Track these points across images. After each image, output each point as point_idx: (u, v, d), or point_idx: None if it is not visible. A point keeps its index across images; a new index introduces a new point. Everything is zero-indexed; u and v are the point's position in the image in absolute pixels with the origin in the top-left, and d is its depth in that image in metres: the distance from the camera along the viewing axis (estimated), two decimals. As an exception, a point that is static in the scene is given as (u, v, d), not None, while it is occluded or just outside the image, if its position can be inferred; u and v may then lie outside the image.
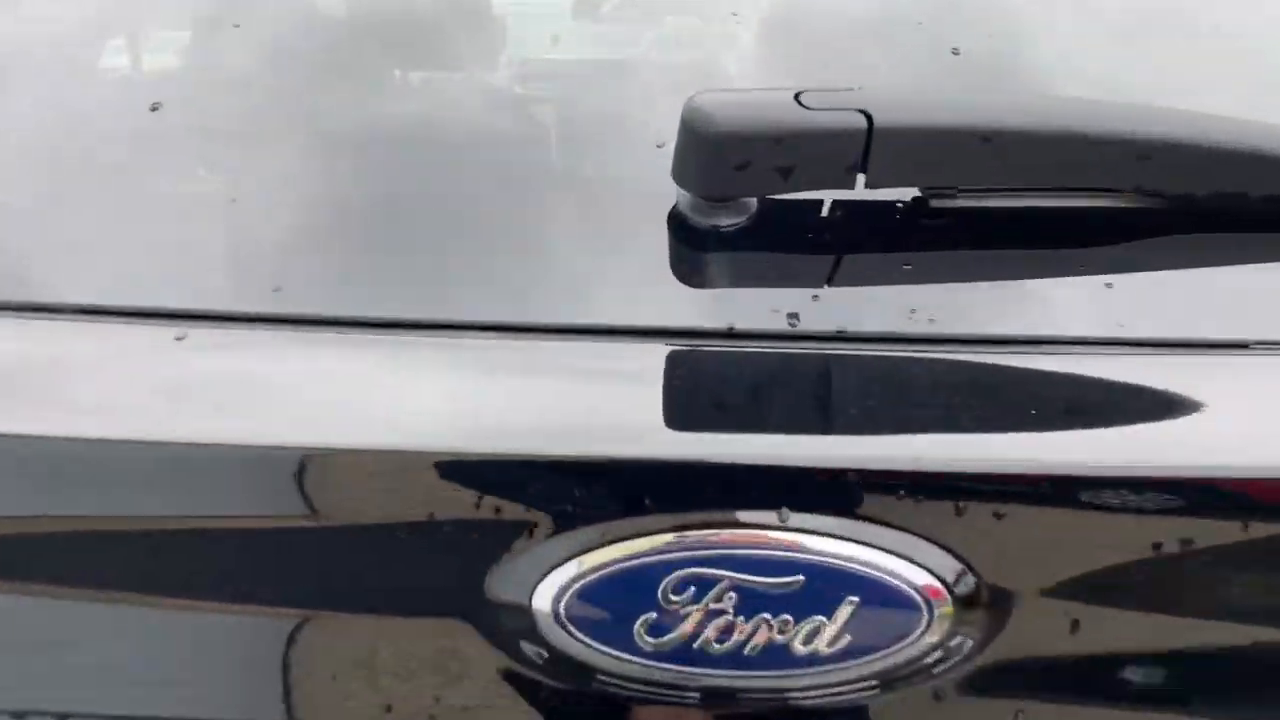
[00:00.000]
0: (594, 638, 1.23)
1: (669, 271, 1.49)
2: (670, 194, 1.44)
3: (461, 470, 1.23)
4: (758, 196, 1.53)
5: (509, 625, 1.24)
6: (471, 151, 1.67)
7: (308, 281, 1.49)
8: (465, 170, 1.63)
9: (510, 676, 1.26)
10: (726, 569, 1.21)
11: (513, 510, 1.23)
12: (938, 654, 1.25)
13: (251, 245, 1.53)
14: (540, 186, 1.63)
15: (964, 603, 1.24)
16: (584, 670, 1.24)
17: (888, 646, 1.24)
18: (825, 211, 1.55)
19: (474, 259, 1.51)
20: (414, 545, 1.25)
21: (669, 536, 1.22)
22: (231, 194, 1.58)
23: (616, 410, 1.33)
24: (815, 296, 1.44)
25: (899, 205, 1.57)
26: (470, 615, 1.24)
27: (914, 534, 1.23)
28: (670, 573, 1.21)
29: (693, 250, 1.44)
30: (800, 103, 1.44)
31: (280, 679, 1.30)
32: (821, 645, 1.22)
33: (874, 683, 1.25)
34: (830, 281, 1.49)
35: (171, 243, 1.52)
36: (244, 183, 1.60)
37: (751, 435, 1.31)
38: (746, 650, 1.22)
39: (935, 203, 1.56)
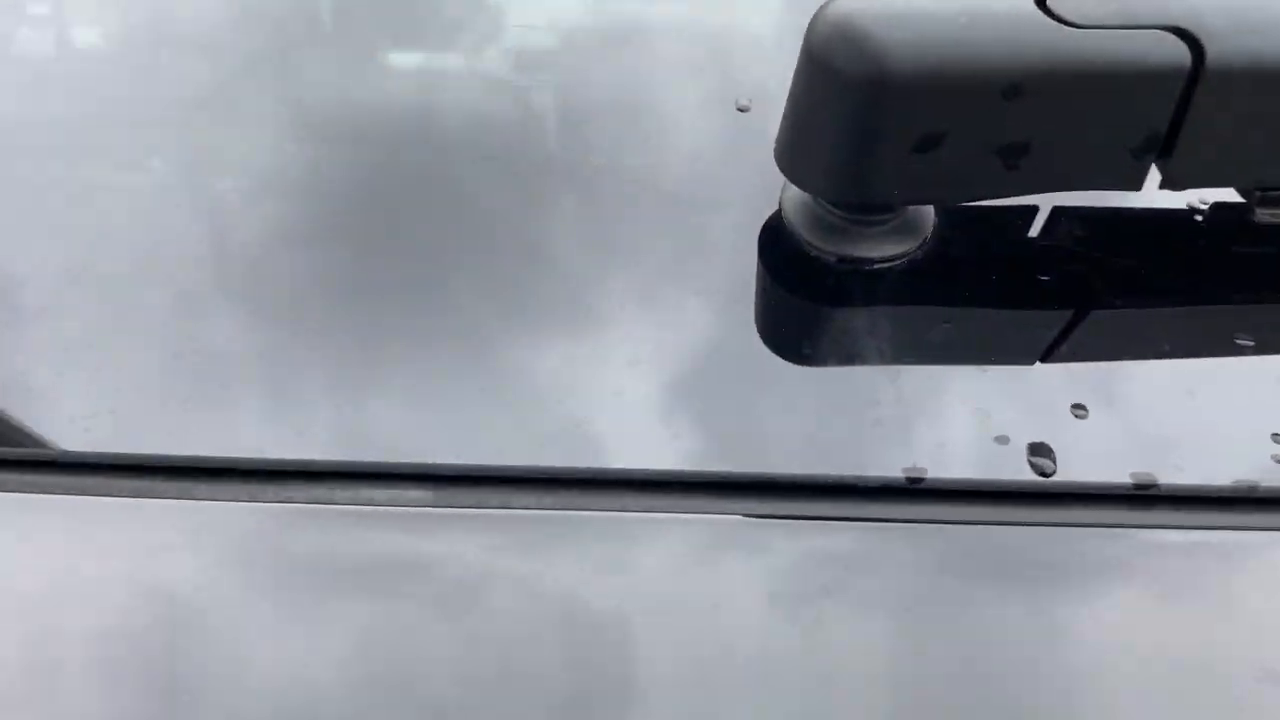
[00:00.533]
0: None
1: (770, 356, 0.75)
2: (768, 197, 0.83)
3: None
4: (955, 203, 0.79)
5: None
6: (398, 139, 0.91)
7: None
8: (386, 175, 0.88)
9: None
10: None
11: None
12: None
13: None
14: (519, 186, 0.87)
15: None
16: None
17: None
18: (1069, 232, 0.81)
19: (390, 343, 0.76)
20: None
21: None
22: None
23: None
24: (1079, 410, 0.70)
25: (1199, 221, 0.83)
26: None
27: None
28: None
29: (819, 310, 0.80)
30: (1051, 12, 0.70)
31: None
32: None
33: None
34: (1102, 377, 0.74)
35: None
36: None
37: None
38: None
39: (1265, 214, 0.81)
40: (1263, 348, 0.77)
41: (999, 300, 0.79)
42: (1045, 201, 0.83)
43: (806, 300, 0.80)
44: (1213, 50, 0.71)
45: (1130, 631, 0.64)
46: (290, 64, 0.97)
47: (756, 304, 0.79)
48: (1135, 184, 0.76)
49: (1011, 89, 0.70)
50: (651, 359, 0.74)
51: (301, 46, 0.98)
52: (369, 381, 0.72)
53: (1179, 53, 0.71)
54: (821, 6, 0.72)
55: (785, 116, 0.76)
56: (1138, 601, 0.66)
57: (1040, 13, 0.71)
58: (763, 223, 0.82)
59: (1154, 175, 0.77)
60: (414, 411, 0.71)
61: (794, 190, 0.81)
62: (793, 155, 0.77)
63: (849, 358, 0.76)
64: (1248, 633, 0.63)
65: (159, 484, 0.67)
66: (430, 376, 0.73)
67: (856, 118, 0.72)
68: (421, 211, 0.82)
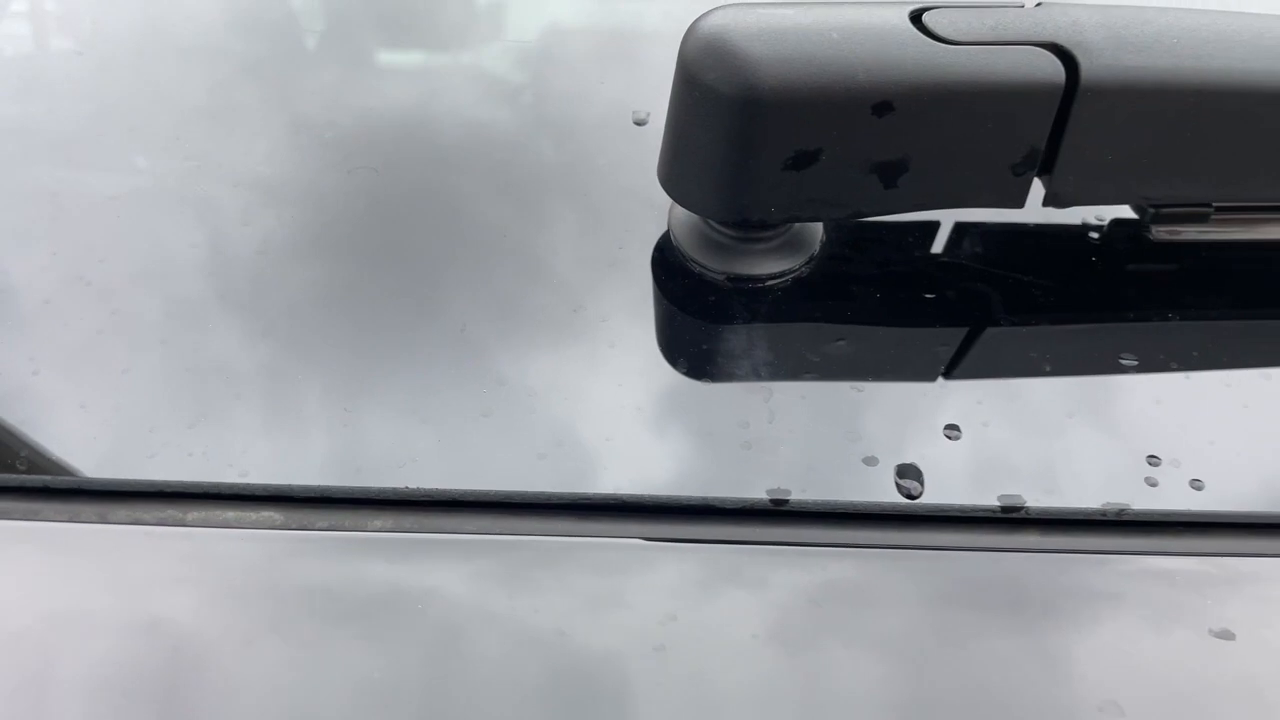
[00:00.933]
0: None
1: (652, 378, 0.74)
2: (657, 216, 0.83)
3: None
4: (832, 220, 0.78)
5: None
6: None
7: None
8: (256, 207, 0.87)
9: None
10: None
11: None
12: None
13: None
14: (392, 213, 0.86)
15: None
16: None
17: None
18: (959, 250, 0.80)
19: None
20: None
21: None
22: None
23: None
24: (952, 430, 0.69)
25: (1094, 239, 0.82)
26: None
27: None
28: None
29: (700, 329, 0.80)
30: (926, 29, 0.69)
31: None
32: None
33: None
34: (976, 399, 0.73)
35: None
36: None
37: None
38: None
39: (1161, 231, 0.80)
40: (1146, 367, 0.76)
41: (883, 319, 0.78)
42: (942, 217, 0.82)
43: (691, 319, 0.79)
44: (1088, 66, 0.70)
45: (992, 657, 0.63)
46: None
47: (641, 324, 0.78)
48: (1018, 201, 0.75)
49: (884, 106, 0.69)
50: (524, 380, 0.73)
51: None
52: (225, 402, 0.71)
53: (1054, 69, 0.70)
54: (694, 21, 0.71)
55: (665, 134, 0.75)
56: (1000, 627, 0.64)
57: (915, 29, 0.70)
58: (651, 240, 0.81)
59: (1040, 192, 0.76)
60: (271, 433, 0.70)
61: (681, 209, 0.80)
62: (672, 173, 0.76)
63: (727, 377, 0.75)
64: (1104, 660, 0.62)
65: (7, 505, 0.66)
66: (292, 396, 0.72)
67: (729, 135, 0.71)
68: (282, 235, 0.82)
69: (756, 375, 0.74)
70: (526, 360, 0.74)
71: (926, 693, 0.61)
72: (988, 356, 0.77)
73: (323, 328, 0.75)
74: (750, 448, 0.70)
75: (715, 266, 0.79)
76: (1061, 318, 0.79)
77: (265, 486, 0.67)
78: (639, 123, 0.89)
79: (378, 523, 0.66)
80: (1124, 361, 0.76)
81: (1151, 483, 0.69)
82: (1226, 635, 0.62)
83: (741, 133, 0.71)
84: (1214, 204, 0.80)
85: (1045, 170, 0.74)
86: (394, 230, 0.82)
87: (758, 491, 0.68)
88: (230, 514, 0.66)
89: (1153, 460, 0.70)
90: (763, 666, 0.61)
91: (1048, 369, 0.76)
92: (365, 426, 0.70)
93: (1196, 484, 0.69)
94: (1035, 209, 0.77)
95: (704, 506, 0.68)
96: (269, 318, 0.76)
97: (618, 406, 0.72)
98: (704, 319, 0.78)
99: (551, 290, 0.79)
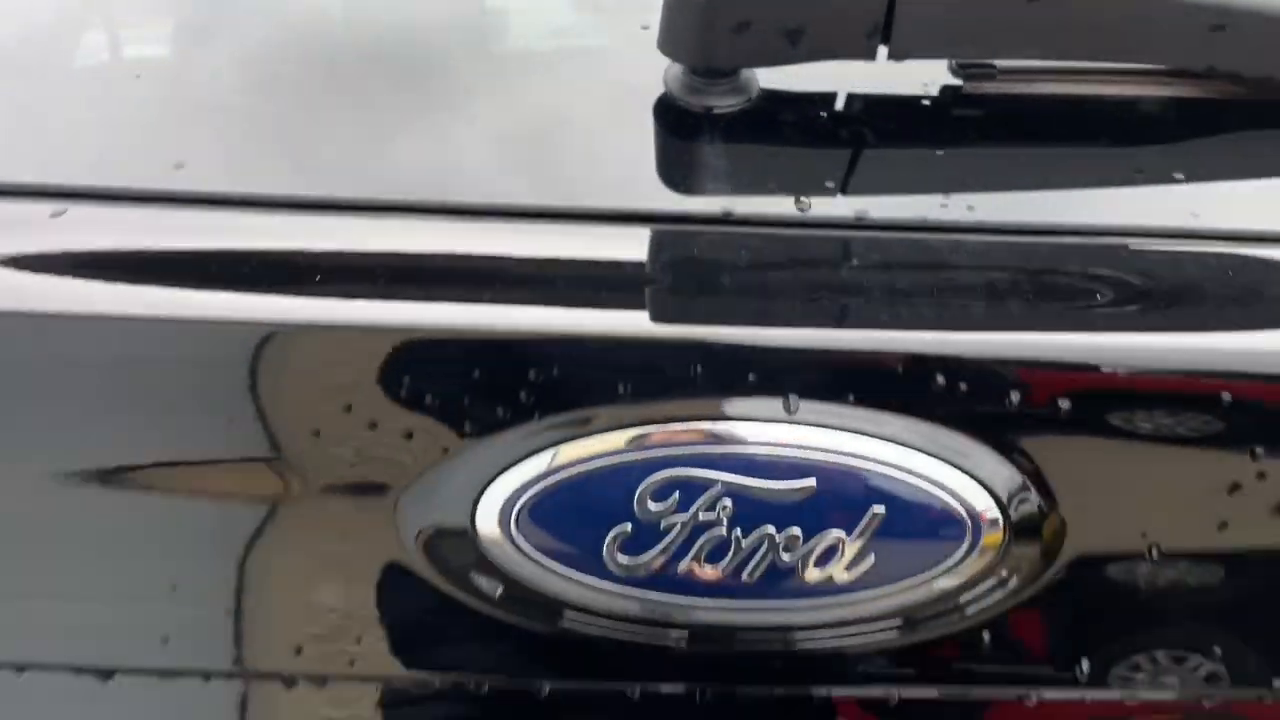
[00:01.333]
0: (555, 559, 0.98)
1: (656, 156, 1.25)
2: (657, 74, 1.33)
3: (392, 347, 0.99)
4: (759, 66, 1.29)
5: (448, 552, 0.99)
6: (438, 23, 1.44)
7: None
8: (430, 40, 1.40)
9: (448, 612, 1.01)
10: (719, 470, 0.96)
11: (446, 399, 0.98)
12: (980, 588, 1.00)
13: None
14: (514, 67, 1.39)
15: (1019, 528, 0.99)
16: (541, 603, 0.99)
17: (917, 574, 0.99)
18: (842, 95, 1.31)
19: (436, 136, 1.27)
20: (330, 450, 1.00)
21: (647, 430, 0.97)
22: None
23: (590, 288, 1.08)
24: (829, 185, 1.20)
25: (928, 90, 1.34)
26: (396, 541, 0.99)
27: (964, 434, 0.99)
28: (649, 475, 0.96)
29: (684, 136, 1.29)
30: (811, -53, 1.21)
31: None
32: (837, 570, 0.97)
33: (897, 621, 1.00)
34: (849, 171, 1.24)
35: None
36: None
37: (751, 316, 1.07)
38: (744, 574, 0.97)
39: (970, 87, 1.32)
40: (950, 158, 1.26)
41: (794, 136, 1.29)
42: (833, 69, 1.32)
43: (676, 135, 1.29)
44: (904, -33, 1.21)
45: (858, 298, 1.14)
46: None
47: (643, 134, 1.28)
48: (871, 56, 1.26)
49: (788, -7, 1.21)
50: (556, 148, 1.25)
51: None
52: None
53: (885, -31, 1.22)
54: (676, -58, 1.23)
55: (661, 14, 1.27)
56: (851, 284, 1.15)
57: (806, -51, 1.22)
58: (653, 88, 1.33)
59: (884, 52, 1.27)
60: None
61: (673, 67, 1.31)
62: (666, 38, 1.27)
63: (696, 158, 1.27)
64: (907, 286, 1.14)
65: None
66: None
67: (695, 11, 1.23)
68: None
69: (714, 157, 1.26)
70: (559, 141, 1.26)
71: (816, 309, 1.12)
72: (856, 152, 1.28)
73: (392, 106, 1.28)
74: (709, 182, 1.22)
75: (693, 101, 1.29)
76: (904, 140, 1.30)
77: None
78: (644, 28, 1.40)
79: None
80: (937, 152, 1.27)
81: (944, 206, 1.20)
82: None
83: (704, 9, 1.23)
84: (998, 66, 1.32)
85: (885, 39, 1.26)
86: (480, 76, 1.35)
87: (715, 208, 1.19)
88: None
89: (945, 197, 1.21)
90: (704, 305, 1.11)
91: (890, 160, 1.27)
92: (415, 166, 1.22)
93: (970, 207, 1.20)
94: (889, 66, 1.28)
95: (678, 215, 1.19)
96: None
97: (624, 167, 1.24)
98: (684, 136, 1.30)
99: (583, 114, 1.31)
